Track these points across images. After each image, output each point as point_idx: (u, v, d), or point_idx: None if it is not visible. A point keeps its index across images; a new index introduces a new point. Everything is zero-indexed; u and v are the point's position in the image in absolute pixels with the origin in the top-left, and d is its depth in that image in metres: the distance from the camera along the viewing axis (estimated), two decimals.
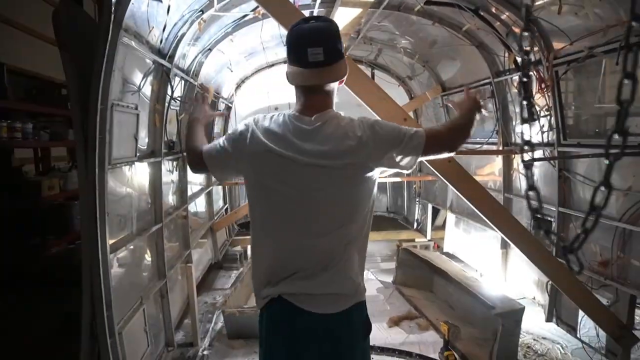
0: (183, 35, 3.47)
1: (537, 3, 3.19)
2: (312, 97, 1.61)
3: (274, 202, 1.61)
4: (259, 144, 1.59)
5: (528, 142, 1.23)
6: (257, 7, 3.63)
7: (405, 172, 1.72)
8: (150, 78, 3.22)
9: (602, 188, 0.96)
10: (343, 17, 4.00)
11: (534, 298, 4.25)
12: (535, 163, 4.18)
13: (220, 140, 1.72)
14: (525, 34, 1.09)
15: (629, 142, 0.89)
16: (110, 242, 2.46)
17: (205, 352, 3.74)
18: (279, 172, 1.57)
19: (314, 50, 1.51)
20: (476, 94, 2.01)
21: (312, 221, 1.58)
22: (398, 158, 1.64)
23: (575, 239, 0.99)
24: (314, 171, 1.55)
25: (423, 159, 1.71)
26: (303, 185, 1.56)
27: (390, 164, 1.65)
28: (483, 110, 1.86)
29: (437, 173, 2.99)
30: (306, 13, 3.91)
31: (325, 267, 1.58)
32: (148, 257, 3.34)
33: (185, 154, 1.85)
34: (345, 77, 1.64)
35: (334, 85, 1.64)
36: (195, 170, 1.88)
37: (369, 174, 1.61)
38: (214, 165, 1.75)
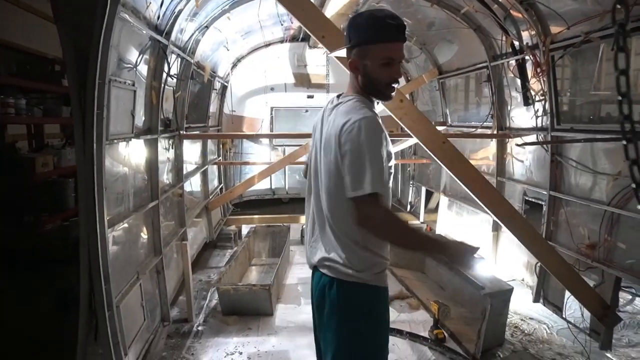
0: (180, 11, 3.42)
1: None
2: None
3: (309, 176, 1.85)
4: (316, 124, 1.83)
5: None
6: None
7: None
8: (146, 55, 3.19)
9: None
10: None
11: (522, 279, 4.35)
12: (528, 147, 4.23)
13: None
14: None
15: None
16: (107, 217, 2.47)
17: (200, 328, 3.80)
18: (312, 148, 1.83)
19: None
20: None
21: (316, 197, 1.78)
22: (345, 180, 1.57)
23: None
24: (320, 152, 1.72)
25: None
26: (315, 164, 1.77)
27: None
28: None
29: (432, 156, 3.03)
30: None
31: (318, 238, 1.78)
32: (144, 234, 3.37)
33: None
34: (352, 62, 1.68)
35: (351, 70, 1.73)
36: None
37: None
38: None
